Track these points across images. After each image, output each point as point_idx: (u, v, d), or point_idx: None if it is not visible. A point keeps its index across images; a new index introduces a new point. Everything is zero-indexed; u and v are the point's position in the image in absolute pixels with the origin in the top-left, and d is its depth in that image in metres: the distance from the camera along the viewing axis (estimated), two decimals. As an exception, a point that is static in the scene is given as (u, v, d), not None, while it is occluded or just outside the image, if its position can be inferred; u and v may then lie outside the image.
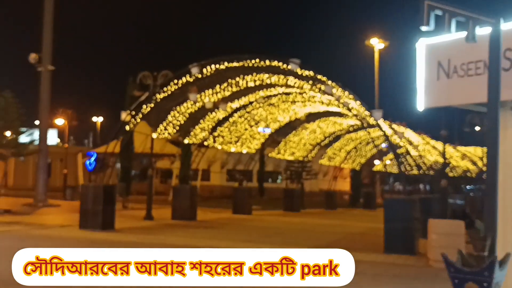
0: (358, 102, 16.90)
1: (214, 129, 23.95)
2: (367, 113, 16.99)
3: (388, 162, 50.40)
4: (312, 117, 27.32)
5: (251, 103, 23.09)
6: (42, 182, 27.80)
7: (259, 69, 18.07)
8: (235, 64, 17.72)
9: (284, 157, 32.44)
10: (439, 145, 37.06)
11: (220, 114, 22.91)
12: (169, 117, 20.83)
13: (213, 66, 17.83)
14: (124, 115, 18.91)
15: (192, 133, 22.98)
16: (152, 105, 18.98)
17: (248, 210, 27.70)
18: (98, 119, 74.30)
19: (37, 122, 37.35)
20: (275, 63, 17.22)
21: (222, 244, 15.36)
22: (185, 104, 20.61)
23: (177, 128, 21.61)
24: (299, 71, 17.17)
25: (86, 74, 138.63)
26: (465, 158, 39.47)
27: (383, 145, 38.19)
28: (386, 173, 65.35)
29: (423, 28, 6.11)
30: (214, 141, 24.60)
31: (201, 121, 22.73)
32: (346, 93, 17.09)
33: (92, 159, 29.97)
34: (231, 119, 24.03)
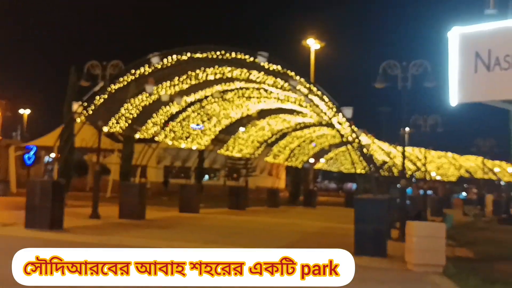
0: (327, 99, 16.38)
1: (166, 123, 22.89)
2: (334, 110, 16.48)
3: (323, 160, 50.71)
4: (263, 113, 26.75)
5: (206, 97, 22.21)
6: (-26, 177, 25.85)
7: (222, 61, 17.22)
8: (198, 55, 16.80)
9: (232, 154, 31.72)
10: (382, 144, 37.55)
11: (174, 108, 21.89)
12: (122, 110, 19.61)
13: (174, 56, 16.84)
14: (76, 106, 17.62)
15: (143, 128, 21.81)
16: (106, 96, 17.79)
17: (195, 209, 26.82)
18: (25, 111, 71.07)
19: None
20: (241, 55, 16.43)
21: (186, 245, 14.50)
22: (140, 96, 19.47)
23: (129, 121, 20.42)
24: (266, 65, 16.48)
25: (11, 63, 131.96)
26: (406, 158, 39.94)
27: (313, 144, 38.29)
28: (321, 171, 66.01)
29: (488, 12, 5.54)
30: (165, 136, 23.54)
31: (154, 114, 21.62)
32: (315, 89, 16.55)
33: (32, 152, 28.24)
34: (184, 114, 23.04)
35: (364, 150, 24.18)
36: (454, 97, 6.92)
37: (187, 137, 25.26)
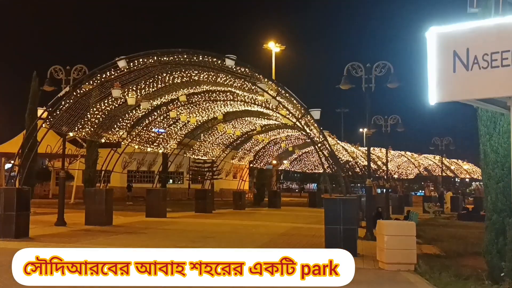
0: (295, 101, 16.45)
1: (132, 127, 22.59)
2: (303, 111, 16.56)
3: (286, 162, 50.93)
4: (229, 116, 26.71)
5: (172, 100, 22.02)
6: None
7: (190, 64, 17.11)
8: (165, 58, 16.65)
9: (198, 157, 31.58)
10: (345, 145, 37.94)
11: (140, 112, 21.62)
12: (88, 115, 19.27)
13: (141, 60, 16.65)
14: (41, 112, 17.25)
15: (109, 132, 21.48)
16: (71, 101, 17.46)
17: (162, 213, 26.58)
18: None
19: None
20: (209, 58, 16.37)
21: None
22: (105, 101, 19.17)
23: (95, 126, 20.09)
24: (234, 68, 16.46)
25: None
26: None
27: (268, 145, 38.40)
28: (283, 172, 66.29)
29: (471, 10, 5.65)
30: (132, 141, 23.24)
31: (120, 119, 21.31)
32: (283, 91, 16.59)
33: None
34: (150, 118, 22.80)
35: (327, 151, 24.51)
36: (433, 96, 6.99)
37: (153, 142, 25.02)
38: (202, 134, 28.89)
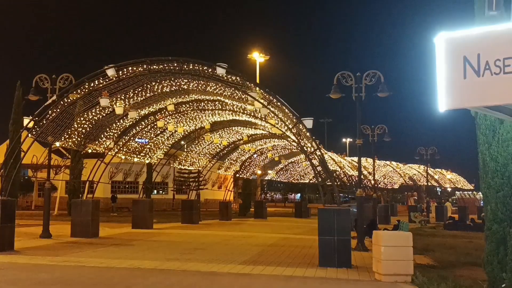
0: (287, 110, 16.25)
1: (119, 137, 22.22)
2: (294, 120, 16.36)
3: (272, 171, 50.80)
4: (216, 126, 26.45)
5: (160, 110, 21.72)
6: None
7: (180, 73, 16.84)
8: (155, 66, 16.37)
9: (185, 167, 31.24)
10: (332, 154, 37.83)
11: (128, 122, 21.27)
12: (75, 124, 18.89)
13: (130, 68, 16.35)
14: (27, 121, 16.85)
15: (96, 142, 21.10)
16: (58, 110, 17.10)
17: (149, 224, 26.18)
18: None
19: None
20: (199, 66, 16.12)
21: (149, 264, 13.96)
22: (93, 110, 18.82)
23: (82, 136, 19.71)
24: (224, 77, 16.23)
25: None
26: (355, 168, 40.52)
27: (255, 155, 38.25)
28: (267, 182, 66.12)
29: (491, 13, 5.46)
30: (119, 151, 22.85)
31: (108, 129, 20.94)
32: (274, 100, 16.38)
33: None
34: (138, 127, 22.44)
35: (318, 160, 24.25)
36: (442, 103, 6.79)
37: (139, 152, 24.66)
38: (189, 144, 28.58)
